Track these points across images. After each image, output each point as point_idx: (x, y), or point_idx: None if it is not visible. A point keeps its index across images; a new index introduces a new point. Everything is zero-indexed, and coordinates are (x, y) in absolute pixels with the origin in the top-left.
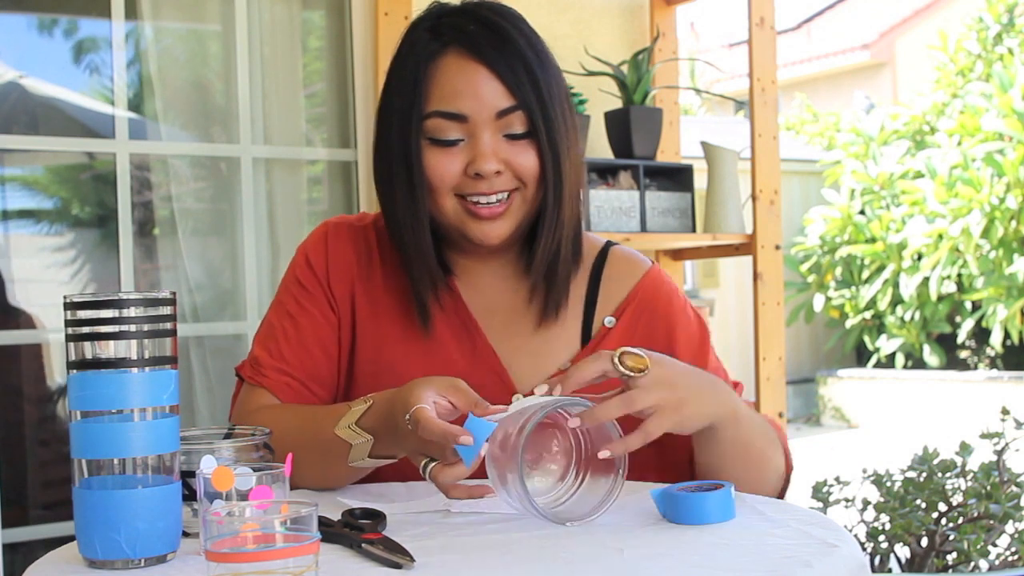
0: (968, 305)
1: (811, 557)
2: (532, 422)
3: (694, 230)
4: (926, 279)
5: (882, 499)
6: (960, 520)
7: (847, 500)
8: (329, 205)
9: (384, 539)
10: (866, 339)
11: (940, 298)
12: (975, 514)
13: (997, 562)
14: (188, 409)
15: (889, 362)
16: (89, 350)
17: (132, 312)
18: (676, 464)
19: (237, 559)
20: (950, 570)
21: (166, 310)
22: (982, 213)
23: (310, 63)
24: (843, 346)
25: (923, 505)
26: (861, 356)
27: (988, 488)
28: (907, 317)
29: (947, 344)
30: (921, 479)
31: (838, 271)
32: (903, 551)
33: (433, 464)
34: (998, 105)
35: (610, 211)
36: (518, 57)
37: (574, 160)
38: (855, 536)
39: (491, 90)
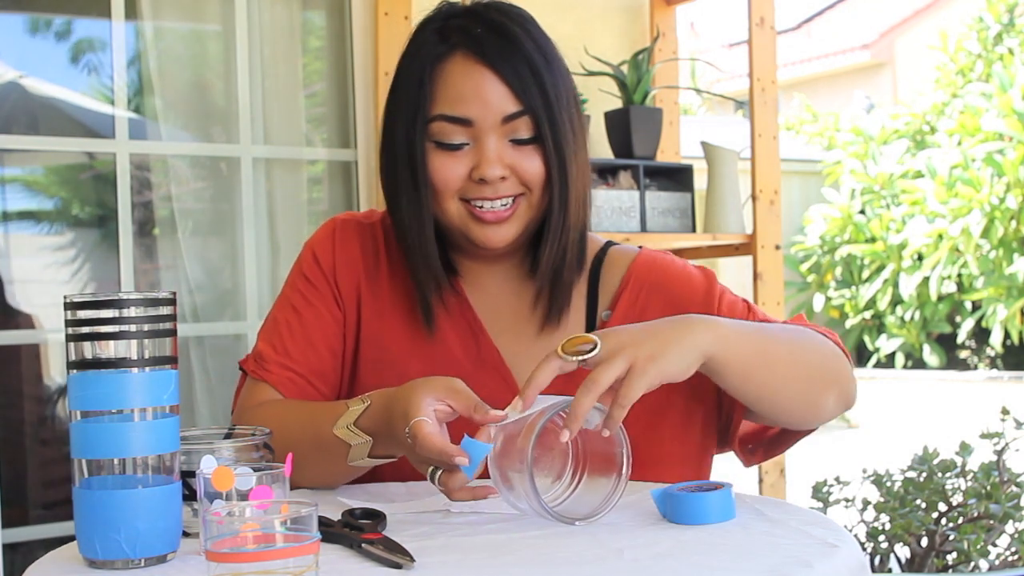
0: (968, 305)
1: (811, 557)
2: (540, 423)
3: (694, 230)
4: (926, 279)
5: (882, 499)
6: (960, 520)
7: (847, 500)
8: (329, 205)
9: (384, 539)
10: (866, 339)
11: (940, 298)
12: (975, 514)
13: (997, 562)
14: (188, 409)
15: (889, 362)
16: (89, 350)
17: (132, 312)
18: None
19: (237, 559)
20: (950, 570)
21: (166, 310)
22: (982, 213)
23: (310, 63)
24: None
25: (923, 505)
26: (861, 356)
27: (988, 488)
28: (907, 317)
29: (947, 344)
30: (921, 479)
31: (838, 271)
32: (903, 551)
33: (441, 472)
34: (998, 105)
35: (610, 211)
36: (525, 61)
37: (580, 164)
38: (855, 536)
39: (497, 95)
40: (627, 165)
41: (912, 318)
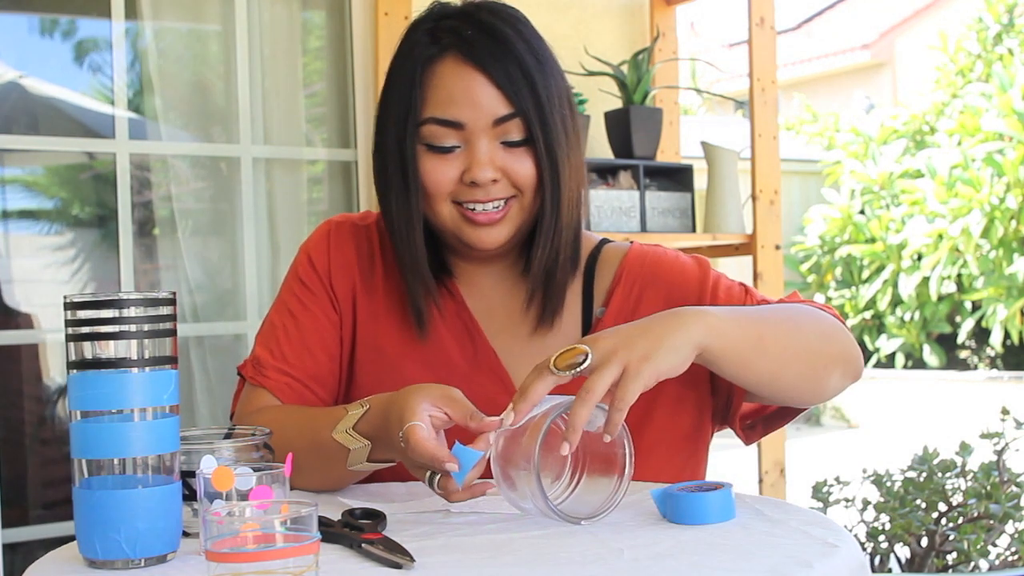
0: (968, 305)
1: (811, 557)
2: (544, 426)
3: (694, 230)
4: (926, 279)
5: (882, 499)
6: (960, 520)
7: (847, 500)
8: (329, 205)
9: (384, 539)
10: (866, 339)
11: (940, 298)
12: (975, 514)
13: (997, 562)
14: (188, 409)
15: (889, 362)
16: (89, 350)
17: (132, 312)
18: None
19: (237, 559)
20: (950, 570)
21: (166, 310)
22: (982, 213)
23: (310, 63)
24: None
25: (923, 505)
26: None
27: (988, 488)
28: (907, 317)
29: (947, 344)
30: (921, 479)
31: (838, 271)
32: (903, 551)
33: (440, 476)
34: (998, 105)
35: (610, 211)
36: (516, 62)
37: (574, 165)
38: (855, 536)
39: (488, 97)
40: (627, 165)
41: (912, 318)
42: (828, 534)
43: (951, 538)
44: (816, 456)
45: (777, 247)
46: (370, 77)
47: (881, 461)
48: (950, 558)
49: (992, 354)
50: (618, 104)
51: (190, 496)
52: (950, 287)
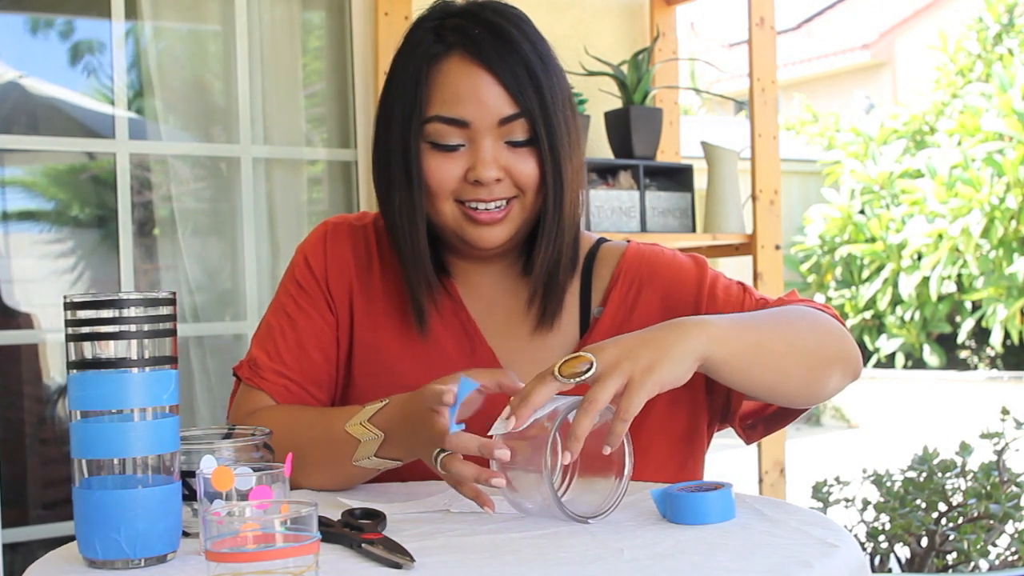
0: (968, 305)
1: (811, 557)
2: (553, 429)
3: (694, 230)
4: (926, 279)
5: (882, 499)
6: (960, 520)
7: (847, 500)
8: (329, 205)
9: (384, 539)
10: (866, 339)
11: (940, 298)
12: (975, 514)
13: (997, 562)
14: (188, 409)
15: (889, 362)
16: (89, 350)
17: (132, 312)
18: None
19: (237, 559)
20: (950, 570)
21: (166, 310)
22: (982, 213)
23: (310, 63)
24: None
25: (923, 505)
26: (861, 356)
27: (988, 488)
28: (907, 317)
29: (947, 344)
30: (921, 479)
31: (838, 271)
32: (903, 551)
33: (445, 455)
34: (998, 105)
35: (610, 211)
36: (522, 63)
37: (575, 165)
38: (855, 536)
39: (494, 96)
40: (627, 165)
41: (912, 318)
42: (828, 534)
43: (951, 538)
44: (816, 456)
45: (777, 247)
46: (370, 77)
47: (881, 461)
48: (950, 558)
49: (992, 354)
50: (618, 104)
51: (190, 496)
52: (950, 287)
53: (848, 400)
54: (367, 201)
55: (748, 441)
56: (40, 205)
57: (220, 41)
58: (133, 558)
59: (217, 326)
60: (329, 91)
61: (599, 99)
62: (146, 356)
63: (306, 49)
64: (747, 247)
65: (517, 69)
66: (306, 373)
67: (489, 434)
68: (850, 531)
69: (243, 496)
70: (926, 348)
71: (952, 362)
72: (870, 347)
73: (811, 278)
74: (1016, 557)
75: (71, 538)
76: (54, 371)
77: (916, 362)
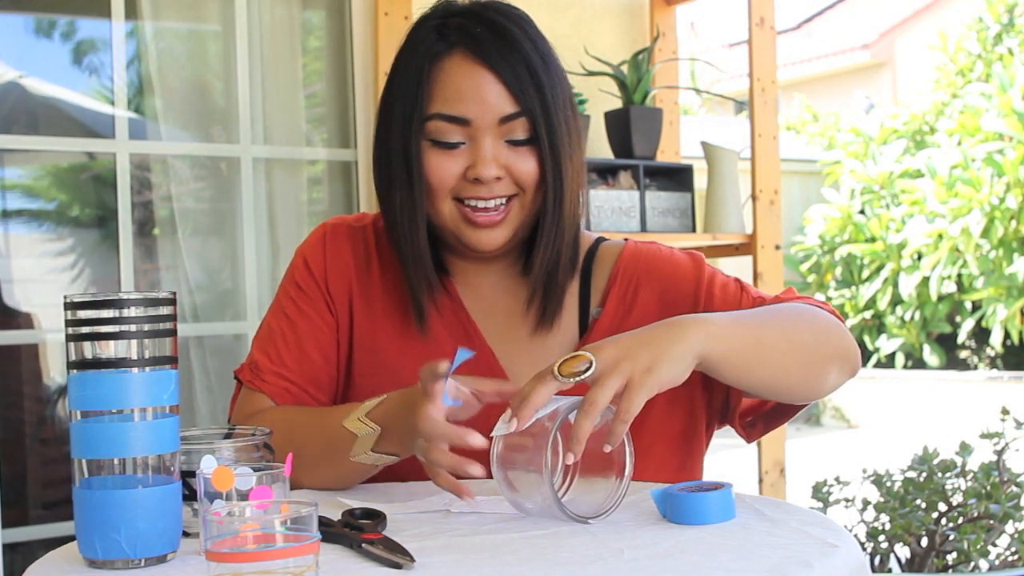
0: (968, 305)
1: (811, 557)
2: (554, 430)
3: (694, 230)
4: (926, 279)
5: (882, 499)
6: (960, 520)
7: (847, 500)
8: (329, 205)
9: (384, 539)
10: (866, 339)
11: (940, 298)
12: (975, 514)
13: (997, 562)
14: (188, 409)
15: (889, 362)
16: (89, 350)
17: (132, 312)
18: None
19: (237, 559)
20: (950, 570)
21: (166, 310)
22: (982, 213)
23: (310, 63)
24: None
25: (923, 505)
26: (861, 356)
27: (988, 488)
28: (907, 317)
29: (947, 344)
30: (921, 479)
31: (838, 271)
32: (903, 551)
33: (425, 443)
34: (998, 105)
35: (610, 211)
36: (524, 62)
37: (575, 166)
38: (855, 536)
39: (495, 95)
40: (627, 165)
41: (912, 318)
42: (828, 534)
43: (951, 538)
44: (816, 456)
45: (777, 247)
46: (370, 77)
47: (881, 461)
48: (950, 558)
49: (992, 354)
50: (618, 104)
51: (190, 496)
52: (950, 287)
53: (848, 400)
54: (367, 201)
55: (749, 439)
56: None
57: (220, 41)
58: (133, 558)
59: (217, 326)
60: (329, 91)
61: (599, 99)
62: (146, 356)
63: (306, 49)
64: (747, 247)
65: (519, 68)
66: (306, 374)
67: (491, 435)
68: (850, 531)
69: (243, 496)
70: (926, 348)
71: (952, 362)
72: (870, 347)
73: (811, 278)
74: (1016, 557)
75: (71, 538)
76: (54, 371)
77: (916, 362)
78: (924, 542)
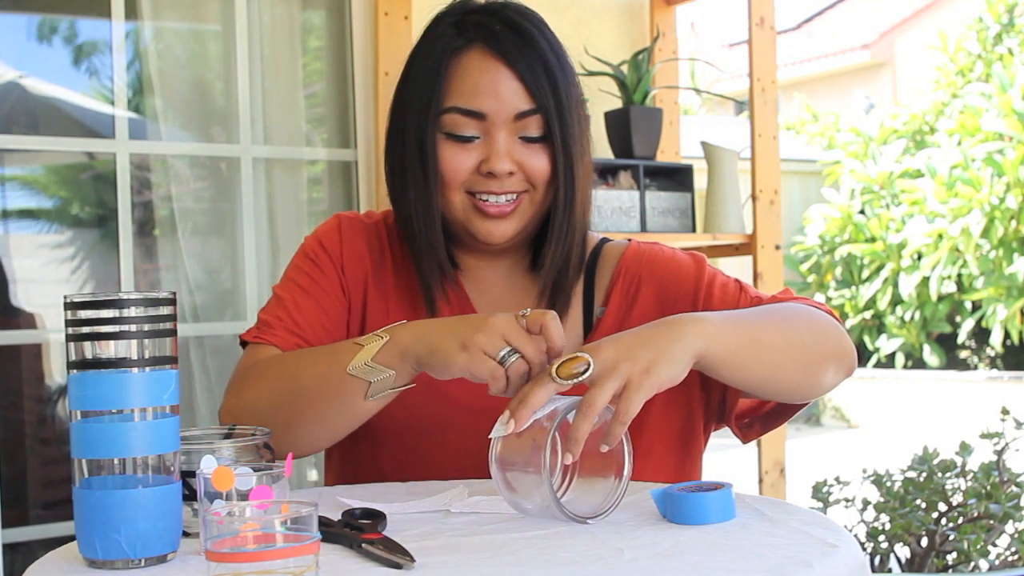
0: (968, 305)
1: (811, 557)
2: (552, 429)
3: (694, 230)
4: (926, 279)
5: (882, 499)
6: (960, 520)
7: (847, 500)
8: (329, 205)
9: (384, 539)
10: (866, 339)
11: (940, 298)
12: (975, 514)
13: (997, 562)
14: (188, 409)
15: (889, 362)
16: (89, 350)
17: (132, 312)
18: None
19: (237, 559)
20: (950, 570)
21: (166, 310)
22: (982, 213)
23: (310, 63)
24: None
25: (923, 505)
26: (861, 356)
27: (988, 488)
28: (907, 317)
29: (947, 344)
30: (921, 479)
31: (838, 271)
32: (903, 551)
33: (517, 357)
34: (998, 105)
35: (610, 211)
36: (540, 60)
37: (585, 166)
38: (855, 536)
39: (512, 91)
40: (627, 165)
41: (912, 318)
42: (828, 534)
43: (951, 538)
44: (816, 456)
45: (777, 247)
46: (370, 77)
47: (881, 461)
48: (950, 558)
49: (992, 354)
50: (618, 104)
51: (190, 496)
52: (950, 287)
53: (848, 400)
54: (367, 201)
55: (745, 440)
56: (40, 205)
57: (220, 41)
58: (133, 558)
59: (217, 326)
60: (329, 91)
61: (599, 99)
62: (146, 356)
63: (306, 49)
64: (747, 247)
65: (535, 66)
66: (317, 335)
67: (489, 437)
68: (850, 531)
69: (243, 496)
70: (926, 348)
71: (952, 362)
72: (870, 347)
73: (811, 278)
74: (1016, 557)
75: (71, 538)
76: (55, 371)
77: (916, 362)
78: (924, 542)
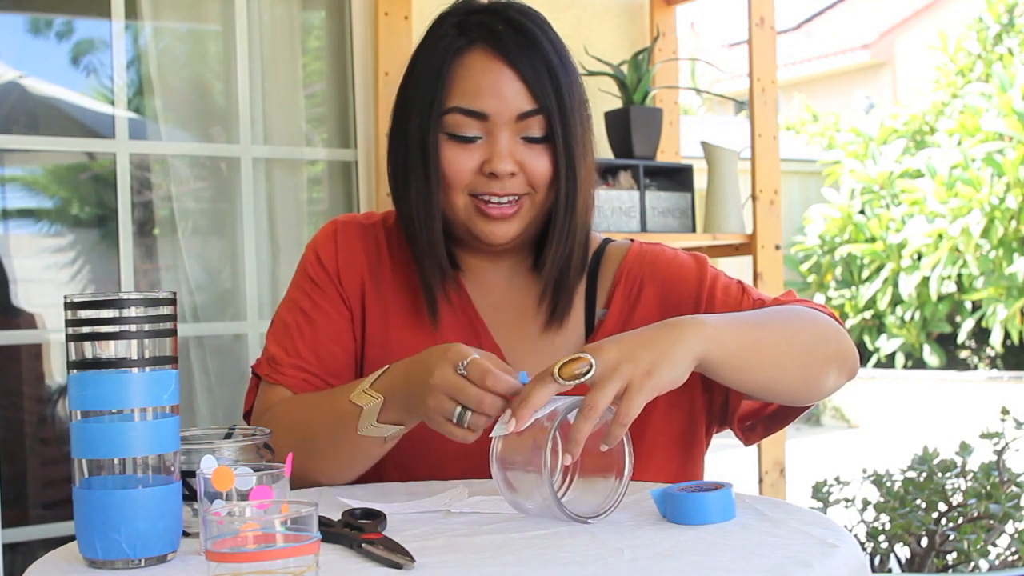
0: (968, 305)
1: (811, 557)
2: (553, 429)
3: (694, 230)
4: (926, 279)
5: (882, 499)
6: (960, 520)
7: (847, 500)
8: (329, 205)
9: (384, 539)
10: (866, 339)
11: (940, 298)
12: (975, 514)
13: (997, 562)
14: (188, 409)
15: (889, 362)
16: (89, 350)
17: (132, 312)
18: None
19: (237, 559)
20: (950, 570)
21: (166, 310)
22: (982, 213)
23: (310, 63)
24: None
25: (923, 505)
26: (861, 356)
27: (988, 488)
28: (907, 317)
29: (947, 344)
30: (921, 479)
31: (838, 271)
32: (903, 551)
33: (471, 414)
34: (998, 105)
35: (610, 211)
36: (543, 61)
37: (588, 167)
38: (855, 536)
39: (514, 91)
40: (627, 165)
41: (912, 318)
42: (828, 534)
43: (951, 538)
44: (816, 456)
45: (777, 247)
46: (370, 77)
47: (881, 461)
48: (950, 558)
49: (992, 354)
50: (618, 104)
51: (190, 496)
52: (950, 287)
53: (848, 400)
54: (367, 201)
55: (747, 443)
56: (40, 205)
57: (220, 41)
58: (133, 558)
59: (217, 326)
60: (329, 91)
61: (599, 99)
62: (146, 356)
63: (306, 49)
64: (747, 247)
65: (538, 66)
66: (325, 365)
67: (490, 436)
68: (850, 531)
69: (243, 496)
70: (926, 348)
71: (952, 362)
72: (870, 347)
73: (811, 278)
74: (1016, 557)
75: (71, 538)
76: (55, 371)
77: (916, 362)
78: (924, 542)
